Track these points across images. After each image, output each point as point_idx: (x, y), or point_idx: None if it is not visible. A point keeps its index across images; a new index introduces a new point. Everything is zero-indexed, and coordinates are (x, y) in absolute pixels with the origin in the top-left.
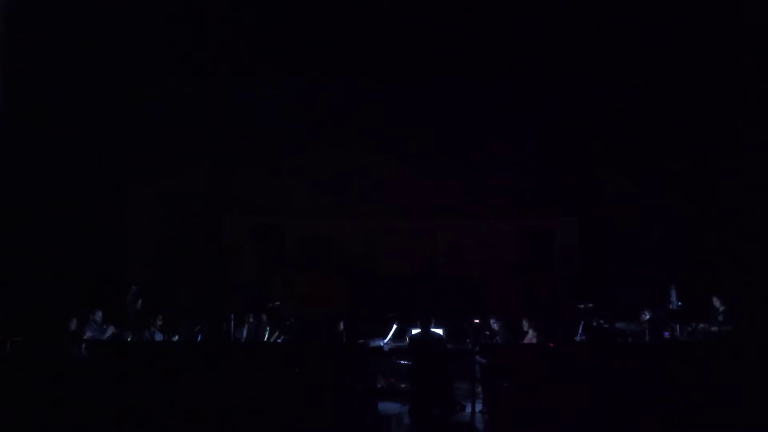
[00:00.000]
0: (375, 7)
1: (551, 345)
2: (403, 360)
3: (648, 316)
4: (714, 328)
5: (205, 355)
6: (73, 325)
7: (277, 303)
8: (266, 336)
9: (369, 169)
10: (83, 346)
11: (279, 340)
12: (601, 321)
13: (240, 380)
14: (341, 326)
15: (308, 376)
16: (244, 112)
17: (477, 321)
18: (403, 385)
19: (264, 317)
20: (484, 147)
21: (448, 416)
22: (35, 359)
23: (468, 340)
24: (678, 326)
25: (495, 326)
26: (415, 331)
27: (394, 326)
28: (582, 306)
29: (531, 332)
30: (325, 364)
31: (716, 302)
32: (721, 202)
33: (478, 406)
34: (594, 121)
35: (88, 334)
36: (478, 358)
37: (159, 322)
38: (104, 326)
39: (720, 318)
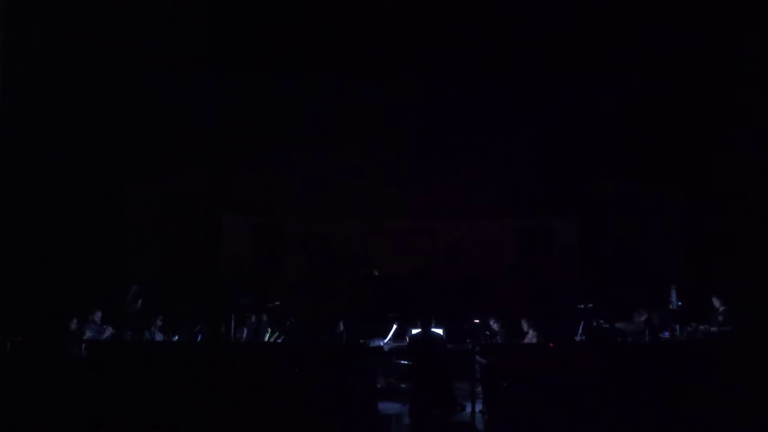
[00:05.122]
0: (375, 7)
1: (551, 345)
2: (403, 360)
3: (644, 317)
4: (713, 329)
5: (205, 355)
6: (73, 325)
7: (277, 303)
8: (266, 336)
9: (368, 169)
10: (83, 346)
11: (279, 340)
12: (601, 321)
13: (240, 380)
14: (341, 326)
15: (308, 376)
16: (244, 112)
17: (477, 321)
18: (403, 385)
19: (264, 317)
20: (484, 147)
21: (448, 416)
22: (34, 359)
23: (468, 340)
24: (678, 326)
25: (495, 326)
26: (415, 331)
27: (394, 326)
28: (582, 306)
29: (531, 332)
30: (325, 364)
31: (716, 302)
32: (721, 201)
33: (478, 406)
34: (594, 121)
35: (88, 334)
36: (478, 358)
37: (159, 322)
38: (103, 326)
39: (720, 318)
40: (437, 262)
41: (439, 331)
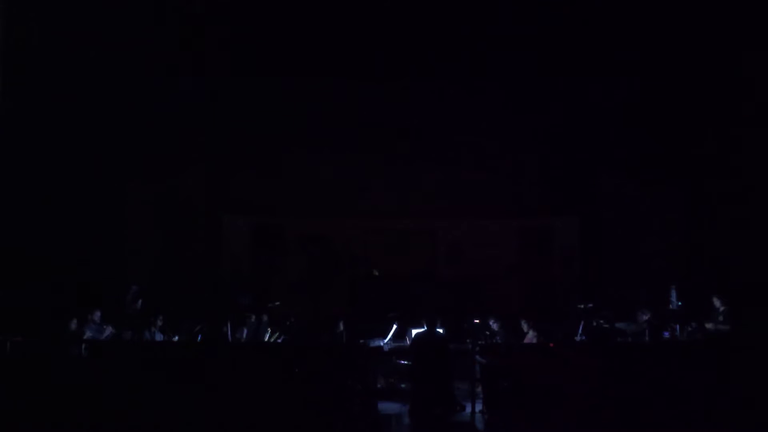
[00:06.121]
0: (375, 7)
1: (551, 345)
2: (403, 360)
3: (646, 317)
4: (709, 325)
5: (205, 355)
6: (73, 325)
7: (277, 303)
8: (266, 336)
9: (369, 169)
10: (83, 346)
11: (279, 340)
12: (601, 321)
13: (240, 380)
14: (341, 326)
15: (308, 376)
16: (244, 112)
17: (477, 321)
18: (403, 385)
19: (264, 317)
20: (484, 147)
21: (448, 416)
22: (35, 359)
23: (468, 340)
24: (678, 326)
25: (495, 326)
26: (415, 331)
27: (394, 326)
28: (582, 306)
29: (531, 332)
30: (325, 364)
31: (716, 302)
32: (722, 201)
33: (478, 406)
34: (594, 121)
35: (88, 334)
36: (478, 358)
37: (159, 322)
38: (103, 326)
39: (720, 318)
40: (437, 262)
41: (440, 331)
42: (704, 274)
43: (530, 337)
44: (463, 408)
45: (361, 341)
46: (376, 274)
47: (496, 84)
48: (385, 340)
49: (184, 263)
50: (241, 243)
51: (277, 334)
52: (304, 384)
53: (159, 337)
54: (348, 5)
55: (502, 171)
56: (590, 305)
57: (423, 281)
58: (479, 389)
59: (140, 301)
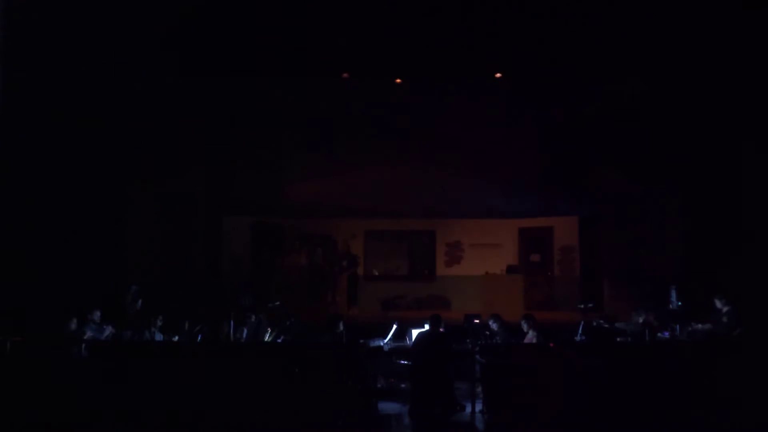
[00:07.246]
0: (375, 7)
1: (551, 345)
2: (403, 360)
3: (641, 318)
4: (707, 325)
5: (205, 355)
6: (73, 325)
7: (277, 303)
8: (266, 336)
9: (369, 169)
10: (83, 346)
11: (279, 340)
12: (601, 321)
13: (240, 380)
14: (341, 326)
15: (308, 376)
16: (244, 112)
17: (477, 321)
18: (403, 385)
19: (264, 317)
20: (484, 147)
21: (448, 416)
22: (35, 359)
23: (468, 340)
24: (678, 326)
25: (494, 326)
26: (416, 331)
27: (394, 326)
28: (582, 306)
29: (531, 332)
30: (325, 364)
31: (718, 303)
32: (721, 202)
33: (478, 406)
34: (594, 121)
35: (88, 334)
36: (478, 358)
37: (159, 322)
38: (103, 326)
39: (724, 319)
40: (437, 262)
41: (442, 331)
42: (704, 274)
43: (530, 337)
44: (463, 408)
45: (361, 341)
46: (376, 274)
47: (496, 84)
48: (385, 340)
49: (184, 263)
50: (241, 243)
51: (277, 333)
52: (304, 384)
53: (159, 337)
54: (348, 4)
55: (503, 171)
56: (590, 305)
57: (423, 281)
58: (479, 389)
59: (140, 301)
